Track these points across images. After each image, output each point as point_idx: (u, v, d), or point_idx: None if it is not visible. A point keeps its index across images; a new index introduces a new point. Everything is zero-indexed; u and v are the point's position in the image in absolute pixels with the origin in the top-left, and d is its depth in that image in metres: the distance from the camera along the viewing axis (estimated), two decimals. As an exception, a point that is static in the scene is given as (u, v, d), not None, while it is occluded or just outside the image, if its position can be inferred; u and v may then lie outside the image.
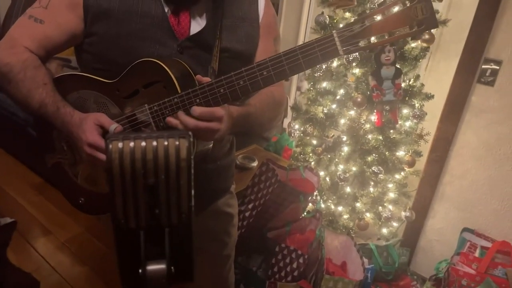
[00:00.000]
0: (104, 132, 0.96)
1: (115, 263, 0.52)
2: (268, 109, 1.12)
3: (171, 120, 0.93)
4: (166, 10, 1.03)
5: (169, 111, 0.95)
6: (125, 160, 0.41)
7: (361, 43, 0.79)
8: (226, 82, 0.90)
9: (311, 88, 2.13)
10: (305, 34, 2.60)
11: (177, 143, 0.43)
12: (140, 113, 0.99)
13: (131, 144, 0.42)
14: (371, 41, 0.80)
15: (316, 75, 2.03)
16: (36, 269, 2.28)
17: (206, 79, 0.92)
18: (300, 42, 2.55)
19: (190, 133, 0.44)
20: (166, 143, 0.43)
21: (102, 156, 0.94)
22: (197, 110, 0.90)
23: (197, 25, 1.06)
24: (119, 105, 1.03)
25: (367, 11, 1.74)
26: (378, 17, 0.78)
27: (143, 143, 0.42)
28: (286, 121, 2.73)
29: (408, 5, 0.75)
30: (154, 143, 0.42)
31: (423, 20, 0.75)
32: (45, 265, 2.33)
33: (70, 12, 1.02)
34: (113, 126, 0.96)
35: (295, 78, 2.69)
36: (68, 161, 1.14)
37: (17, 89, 1.00)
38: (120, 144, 0.41)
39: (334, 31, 0.80)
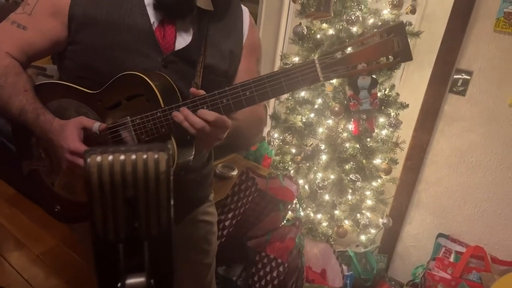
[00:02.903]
0: (88, 133, 0.95)
1: (92, 276, 0.52)
2: (252, 125, 1.15)
3: (176, 115, 0.92)
4: (152, 22, 1.03)
5: (151, 125, 0.95)
6: (103, 174, 0.41)
7: (341, 70, 0.83)
8: (209, 100, 0.91)
9: (290, 98, 2.16)
10: (284, 45, 2.63)
11: (156, 156, 0.43)
12: (122, 124, 0.98)
13: (110, 158, 0.42)
14: (350, 69, 0.83)
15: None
16: (10, 283, 2.21)
17: (202, 92, 0.93)
18: (279, 52, 2.58)
19: (169, 146, 0.44)
20: (145, 156, 0.43)
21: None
22: (212, 114, 0.89)
23: (182, 40, 1.06)
24: (101, 116, 1.02)
25: (347, 40, 1.79)
26: (358, 47, 0.81)
27: (122, 157, 0.42)
28: (265, 130, 2.76)
29: (385, 37, 0.79)
30: (133, 156, 0.42)
31: (399, 52, 0.79)
32: (19, 279, 2.26)
33: (53, 19, 1.01)
34: (97, 125, 0.95)
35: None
36: (46, 168, 1.12)
37: None
38: (98, 158, 0.41)
39: (315, 58, 0.84)
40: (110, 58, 1.00)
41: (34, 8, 1.02)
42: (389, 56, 0.81)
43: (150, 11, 1.03)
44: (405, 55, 0.80)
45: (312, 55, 1.89)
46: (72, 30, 1.01)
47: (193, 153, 1.06)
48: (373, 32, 0.82)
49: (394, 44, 0.79)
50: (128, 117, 0.97)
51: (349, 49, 0.83)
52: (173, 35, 1.05)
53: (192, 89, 0.93)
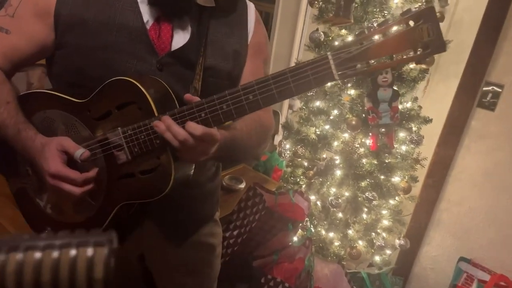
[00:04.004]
0: (69, 159, 0.87)
1: None
2: (255, 134, 1.01)
3: (158, 124, 0.82)
4: (146, 21, 0.93)
5: (144, 136, 0.86)
6: (7, 281, 0.28)
7: (359, 67, 0.69)
8: (207, 106, 0.80)
9: (304, 107, 2.03)
10: (299, 51, 2.50)
11: (90, 254, 0.30)
12: (113, 136, 0.89)
13: (18, 257, 0.29)
14: (370, 65, 0.69)
15: (308, 93, 1.93)
16: None
17: (196, 98, 0.83)
18: (294, 59, 2.46)
19: (114, 237, 0.31)
20: (73, 253, 0.29)
21: (67, 187, 0.86)
22: (198, 128, 0.79)
23: (179, 40, 0.96)
24: (90, 127, 0.93)
25: (365, 30, 1.65)
26: (378, 38, 0.67)
27: (38, 255, 0.29)
28: (277, 138, 2.63)
29: (412, 25, 0.65)
30: (55, 254, 0.29)
31: (429, 42, 0.65)
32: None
33: (39, 21, 0.92)
34: (79, 152, 0.86)
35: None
36: (33, 186, 1.03)
37: None
38: (1, 257, 0.29)
39: (328, 53, 0.70)
40: (100, 61, 0.91)
41: (17, 9, 0.92)
42: (418, 48, 0.66)
43: (144, 9, 0.93)
44: (438, 46, 0.65)
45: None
46: (59, 32, 0.92)
47: (193, 167, 0.96)
48: (397, 19, 0.67)
49: (423, 33, 0.64)
50: (119, 128, 0.88)
51: (368, 41, 0.69)
52: (170, 34, 0.95)
53: (187, 95, 0.83)
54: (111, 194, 0.94)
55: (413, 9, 0.65)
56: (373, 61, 0.69)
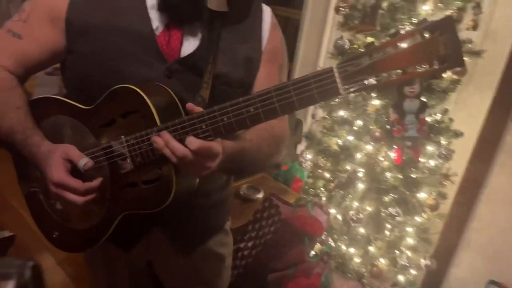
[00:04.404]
0: (74, 167, 0.86)
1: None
2: (266, 145, 0.97)
3: (156, 140, 0.80)
4: (155, 27, 0.91)
5: (146, 145, 0.83)
6: None
7: (367, 81, 0.63)
8: (208, 117, 0.77)
9: (327, 116, 1.96)
10: (325, 59, 2.44)
11: None
12: (117, 145, 0.87)
13: None
14: (380, 79, 0.63)
15: (332, 102, 1.87)
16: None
17: (198, 109, 0.80)
18: (320, 66, 2.39)
19: (30, 266, 0.27)
20: None
21: (69, 196, 0.85)
22: (195, 142, 0.76)
23: (189, 46, 0.93)
24: (95, 134, 0.92)
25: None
26: (390, 50, 0.61)
27: None
28: (299, 148, 2.57)
29: (427, 37, 0.59)
30: None
31: (446, 56, 0.58)
32: (36, 286, 2.22)
33: (50, 27, 0.92)
34: (83, 161, 0.85)
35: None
36: (43, 191, 1.03)
37: None
38: None
39: (333, 66, 0.65)
40: (108, 67, 0.90)
41: (29, 15, 0.93)
42: (433, 61, 0.59)
43: (154, 15, 0.91)
44: (455, 60, 0.59)
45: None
46: (69, 37, 0.91)
47: (197, 178, 0.94)
48: (411, 29, 0.60)
49: (439, 45, 0.58)
50: (122, 137, 0.86)
51: (379, 53, 0.63)
52: (179, 40, 0.92)
53: (189, 105, 0.80)
54: (115, 202, 0.93)
55: (429, 20, 0.59)
56: (383, 75, 0.63)
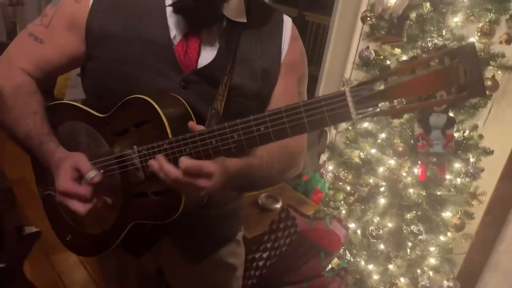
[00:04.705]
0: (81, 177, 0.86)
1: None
2: (278, 160, 0.94)
3: (152, 163, 0.80)
4: (173, 35, 0.91)
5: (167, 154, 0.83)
6: None
7: (381, 107, 0.60)
8: (218, 133, 0.75)
9: (350, 127, 1.92)
10: (352, 70, 2.39)
11: None
12: (129, 154, 0.88)
13: None
14: (394, 105, 0.60)
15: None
16: (48, 285, 2.22)
17: (199, 127, 0.79)
18: (346, 77, 2.34)
19: None
20: None
21: (74, 206, 0.84)
22: (184, 162, 0.76)
23: (206, 56, 0.93)
24: (109, 142, 0.93)
25: (418, 51, 1.51)
26: (407, 75, 0.58)
27: None
28: (323, 158, 2.52)
29: (446, 64, 0.55)
30: None
31: (466, 85, 0.54)
32: (58, 282, 2.28)
33: (71, 33, 0.94)
34: (91, 174, 0.85)
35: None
36: None
37: (4, 115, 0.94)
38: None
39: (346, 89, 0.62)
40: (124, 76, 0.91)
41: (51, 20, 0.94)
42: (452, 90, 0.56)
43: (173, 23, 0.91)
44: (476, 89, 0.55)
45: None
46: (89, 44, 0.93)
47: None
48: (429, 54, 0.57)
49: (459, 73, 0.55)
50: (135, 147, 0.86)
51: (394, 78, 0.60)
52: (196, 50, 0.92)
53: (190, 123, 0.79)
54: (126, 211, 0.93)
55: (450, 45, 0.56)
56: (398, 101, 0.59)
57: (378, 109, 0.60)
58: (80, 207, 0.84)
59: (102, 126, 0.93)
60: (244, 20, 0.95)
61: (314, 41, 3.84)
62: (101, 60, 0.92)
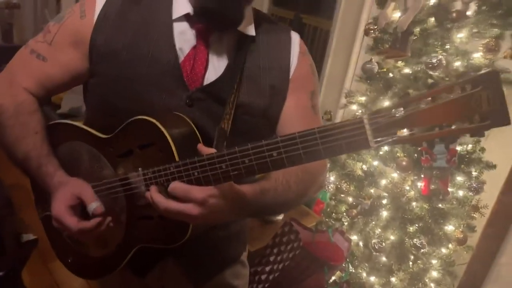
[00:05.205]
0: (83, 207, 0.86)
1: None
2: (295, 181, 0.89)
3: (147, 196, 0.80)
4: (179, 49, 0.89)
5: (163, 181, 0.80)
6: None
7: (400, 135, 0.59)
8: (229, 158, 0.73)
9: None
10: (351, 81, 2.39)
11: None
12: (134, 177, 0.85)
13: None
14: (414, 134, 0.59)
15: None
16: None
17: (209, 150, 0.76)
18: (345, 89, 2.34)
19: None
20: None
21: (67, 231, 0.84)
22: (171, 185, 0.76)
23: (213, 72, 0.91)
24: (112, 164, 0.91)
25: (423, 65, 1.52)
26: (427, 103, 0.58)
27: None
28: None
29: (468, 91, 0.54)
30: None
31: (489, 113, 0.54)
32: (56, 291, 2.25)
33: (74, 50, 0.91)
34: (93, 205, 0.84)
35: (337, 119, 2.48)
36: None
37: (4, 134, 0.91)
38: None
39: (364, 116, 0.61)
40: (129, 93, 0.88)
41: (55, 37, 0.92)
42: (474, 118, 0.55)
43: (180, 38, 0.90)
44: (499, 117, 0.54)
45: (381, 97, 1.64)
46: (93, 61, 0.90)
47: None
48: (451, 82, 0.56)
49: (482, 101, 0.54)
50: (140, 169, 0.84)
51: (414, 105, 0.59)
52: (204, 66, 0.90)
53: (199, 146, 0.77)
54: (131, 234, 0.91)
55: (469, 74, 0.55)
56: (417, 129, 0.59)
57: (396, 137, 0.59)
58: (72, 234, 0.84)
59: (105, 147, 0.91)
60: (253, 34, 0.94)
61: (311, 44, 3.86)
62: (105, 76, 0.90)
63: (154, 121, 0.82)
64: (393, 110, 0.59)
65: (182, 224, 0.82)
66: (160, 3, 0.92)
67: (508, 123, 0.54)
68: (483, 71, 0.54)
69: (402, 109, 0.59)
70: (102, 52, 0.89)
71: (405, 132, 0.59)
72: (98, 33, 0.89)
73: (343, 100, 2.06)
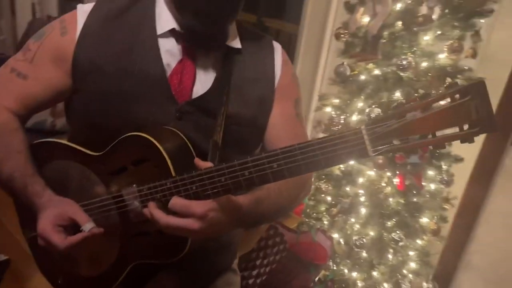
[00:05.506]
0: (77, 227, 0.83)
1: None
2: (286, 188, 0.91)
3: (145, 212, 0.80)
4: (166, 63, 0.89)
5: (160, 197, 0.81)
6: None
7: (396, 143, 0.63)
8: (228, 171, 0.74)
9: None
10: (321, 84, 2.44)
11: None
12: (128, 194, 0.85)
13: None
14: (409, 141, 0.63)
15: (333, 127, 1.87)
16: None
17: (206, 165, 0.77)
18: (316, 92, 2.39)
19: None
20: None
21: (54, 248, 0.82)
22: (172, 201, 0.76)
23: (201, 85, 0.92)
24: (104, 181, 0.90)
25: (394, 67, 1.59)
26: (419, 112, 0.62)
27: None
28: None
29: (459, 100, 0.59)
30: None
31: (477, 121, 0.59)
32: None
33: (56, 68, 0.90)
34: (88, 226, 0.83)
35: (309, 121, 2.52)
36: None
37: None
38: None
39: (362, 127, 0.64)
40: (116, 108, 0.88)
41: (35, 55, 0.91)
42: (464, 126, 0.60)
43: (166, 52, 0.90)
44: (487, 125, 0.58)
45: (354, 99, 1.70)
46: (77, 77, 0.89)
47: None
48: (442, 92, 0.61)
49: (471, 110, 0.58)
50: (134, 185, 0.84)
51: (409, 115, 0.63)
52: (191, 80, 0.91)
53: (196, 161, 0.77)
54: (125, 251, 0.90)
55: (458, 85, 0.60)
56: (412, 138, 0.63)
57: (393, 146, 0.63)
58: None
59: (95, 165, 0.90)
60: (239, 46, 0.96)
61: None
62: (90, 92, 0.89)
63: (148, 137, 0.82)
64: (389, 120, 0.63)
65: (180, 238, 0.82)
66: (144, 18, 0.92)
67: (495, 130, 0.59)
68: (471, 82, 0.59)
69: (397, 119, 0.63)
70: (86, 69, 0.88)
71: (400, 140, 0.63)
72: (81, 50, 0.88)
73: (314, 103, 2.11)
